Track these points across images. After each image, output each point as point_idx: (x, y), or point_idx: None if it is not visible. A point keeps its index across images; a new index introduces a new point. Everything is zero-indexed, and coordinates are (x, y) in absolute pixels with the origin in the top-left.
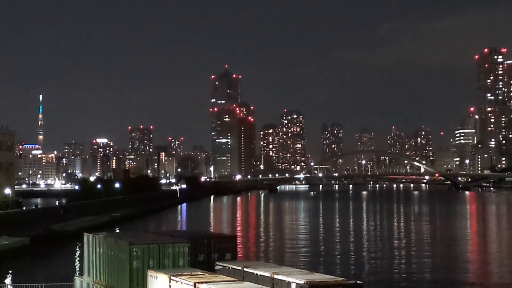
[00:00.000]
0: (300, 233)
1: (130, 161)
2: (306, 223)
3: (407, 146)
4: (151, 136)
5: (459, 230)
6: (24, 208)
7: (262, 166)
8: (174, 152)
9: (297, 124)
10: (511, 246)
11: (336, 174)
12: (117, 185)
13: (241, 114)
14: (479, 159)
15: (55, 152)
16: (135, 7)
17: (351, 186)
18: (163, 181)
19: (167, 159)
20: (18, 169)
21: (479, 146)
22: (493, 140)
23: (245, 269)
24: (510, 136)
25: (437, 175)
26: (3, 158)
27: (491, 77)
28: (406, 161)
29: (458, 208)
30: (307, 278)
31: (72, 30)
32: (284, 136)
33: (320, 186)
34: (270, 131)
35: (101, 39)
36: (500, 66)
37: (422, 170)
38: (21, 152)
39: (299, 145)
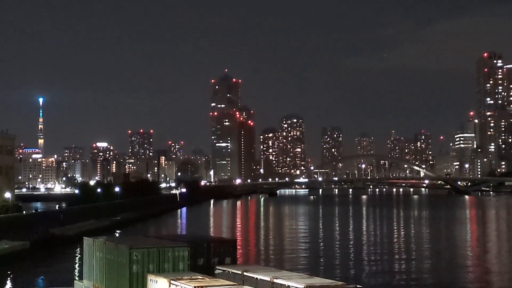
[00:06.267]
0: (300, 237)
1: (130, 165)
2: (305, 227)
3: (406, 150)
4: (151, 140)
5: (458, 234)
6: (24, 212)
7: (262, 170)
8: (174, 156)
9: (297, 128)
10: (511, 251)
11: (336, 178)
12: (117, 189)
13: (241, 118)
14: (479, 164)
15: (55, 156)
16: (135, 10)
17: (350, 190)
18: (163, 185)
19: (167, 163)
20: (18, 173)
21: (479, 150)
22: (492, 144)
23: (245, 273)
24: (510, 140)
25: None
26: (3, 162)
27: (491, 82)
28: (405, 165)
29: (458, 213)
30: (307, 282)
31: (72, 33)
32: (284, 140)
33: (320, 190)
34: (270, 135)
35: (101, 42)
36: (500, 70)
37: (422, 174)
38: (21, 156)
39: (299, 149)
